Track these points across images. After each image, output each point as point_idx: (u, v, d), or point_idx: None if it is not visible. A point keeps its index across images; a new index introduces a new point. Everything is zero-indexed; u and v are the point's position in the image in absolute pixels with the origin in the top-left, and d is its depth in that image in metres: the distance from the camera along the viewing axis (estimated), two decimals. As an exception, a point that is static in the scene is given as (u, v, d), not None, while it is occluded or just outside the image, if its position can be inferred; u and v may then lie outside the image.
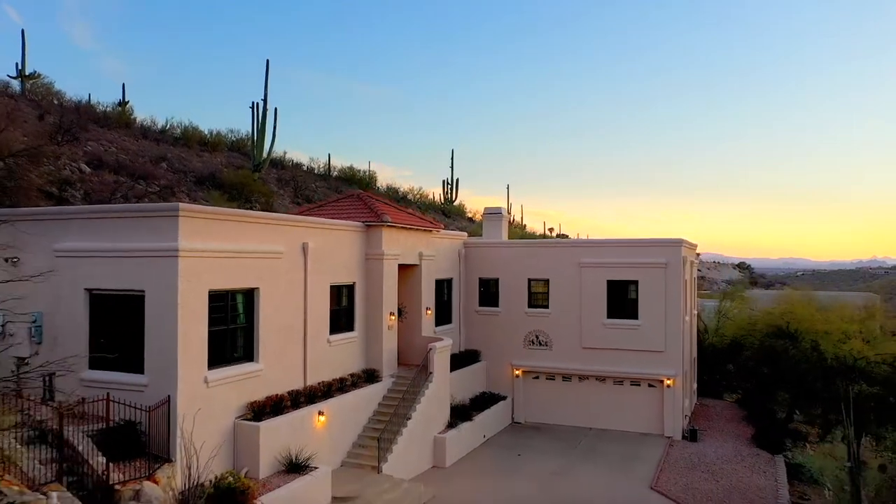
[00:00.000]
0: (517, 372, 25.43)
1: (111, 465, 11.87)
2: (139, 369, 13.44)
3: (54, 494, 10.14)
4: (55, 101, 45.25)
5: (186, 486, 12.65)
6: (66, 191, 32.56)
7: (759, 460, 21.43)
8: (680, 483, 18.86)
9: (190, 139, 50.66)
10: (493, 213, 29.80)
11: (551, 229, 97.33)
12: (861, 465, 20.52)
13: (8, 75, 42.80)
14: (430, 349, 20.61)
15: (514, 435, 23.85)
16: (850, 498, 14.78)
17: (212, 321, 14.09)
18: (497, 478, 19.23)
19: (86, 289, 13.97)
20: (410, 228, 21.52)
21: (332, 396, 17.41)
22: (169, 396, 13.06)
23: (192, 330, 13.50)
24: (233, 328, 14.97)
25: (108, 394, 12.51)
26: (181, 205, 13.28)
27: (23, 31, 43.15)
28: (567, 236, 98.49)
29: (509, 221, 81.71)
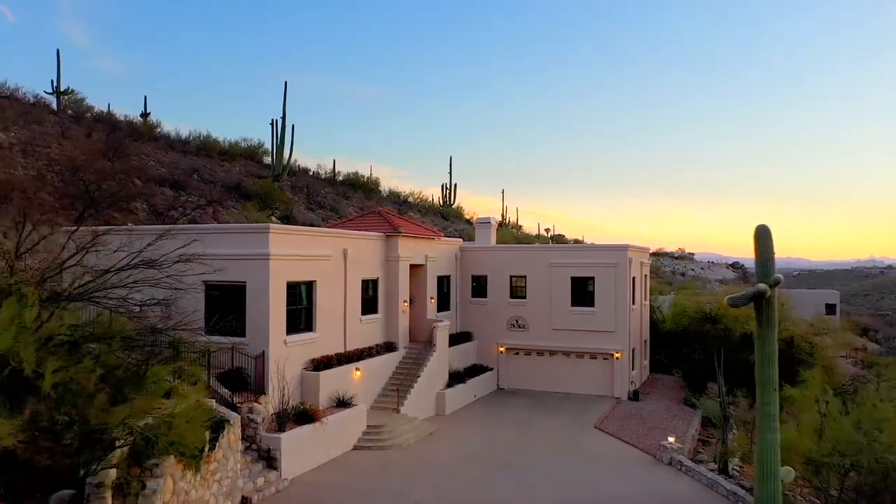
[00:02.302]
0: (501, 348, 32.23)
1: (232, 394, 18.68)
2: (242, 334, 20.14)
3: (213, 400, 16.95)
4: (87, 115, 51.56)
5: (277, 410, 19.51)
6: (132, 203, 39.18)
7: (682, 412, 28.29)
8: (616, 425, 25.68)
9: (210, 149, 57.24)
10: (483, 223, 36.67)
11: (547, 229, 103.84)
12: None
13: (45, 91, 48.79)
14: (434, 328, 27.43)
15: (498, 396, 30.66)
16: (722, 431, 21.60)
17: (288, 303, 20.84)
18: (484, 422, 26.04)
19: (203, 281, 20.68)
20: (419, 237, 28.31)
21: (363, 359, 24.14)
22: (264, 351, 19.83)
23: (276, 308, 20.25)
24: (300, 308, 21.72)
25: (232, 346, 19.29)
26: (271, 225, 20.08)
27: (58, 51, 49.68)
28: (563, 236, 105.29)
29: (506, 223, 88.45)
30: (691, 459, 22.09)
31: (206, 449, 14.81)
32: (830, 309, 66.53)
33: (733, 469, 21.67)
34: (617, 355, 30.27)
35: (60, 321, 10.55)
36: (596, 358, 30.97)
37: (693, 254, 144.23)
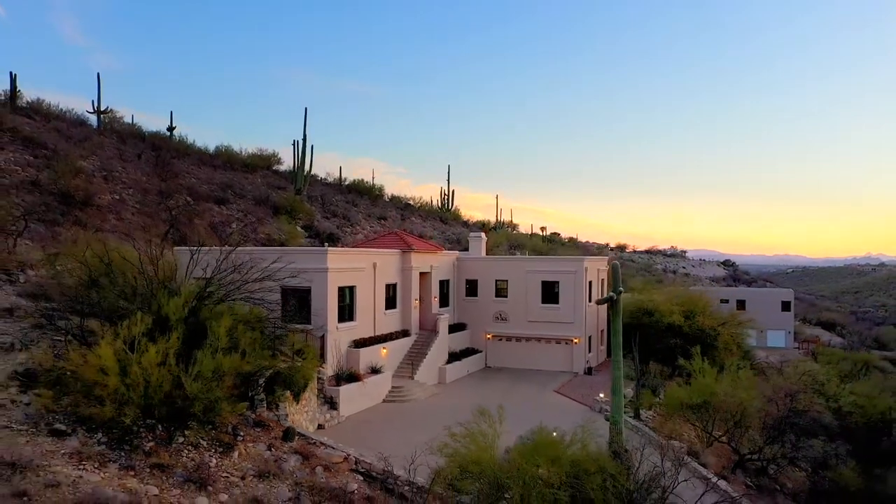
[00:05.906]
0: (488, 336, 41.78)
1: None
2: (308, 321, 29.56)
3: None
4: (122, 131, 59.54)
5: (335, 372, 29.04)
6: (193, 222, 48.22)
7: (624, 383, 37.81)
8: (570, 389, 35.27)
9: (234, 162, 66.17)
10: (475, 236, 46.25)
11: (543, 228, 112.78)
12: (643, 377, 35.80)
13: (86, 111, 56.07)
14: (437, 319, 36.98)
15: (486, 372, 40.25)
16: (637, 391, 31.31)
17: (339, 301, 30.31)
18: (475, 387, 35.61)
19: (280, 286, 30.03)
20: (426, 252, 37.84)
21: (387, 341, 33.64)
22: (324, 334, 29.31)
23: (332, 304, 29.72)
24: (346, 304, 31.18)
25: (305, 331, 28.74)
26: (329, 248, 29.52)
27: (98, 75, 57.43)
28: (558, 234, 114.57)
29: (500, 224, 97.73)
30: (618, 411, 31.58)
31: (302, 390, 24.34)
32: (785, 306, 75.67)
33: (645, 416, 31.25)
34: (576, 341, 39.87)
35: (247, 310, 20.05)
36: (560, 343, 40.56)
37: (685, 251, 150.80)
